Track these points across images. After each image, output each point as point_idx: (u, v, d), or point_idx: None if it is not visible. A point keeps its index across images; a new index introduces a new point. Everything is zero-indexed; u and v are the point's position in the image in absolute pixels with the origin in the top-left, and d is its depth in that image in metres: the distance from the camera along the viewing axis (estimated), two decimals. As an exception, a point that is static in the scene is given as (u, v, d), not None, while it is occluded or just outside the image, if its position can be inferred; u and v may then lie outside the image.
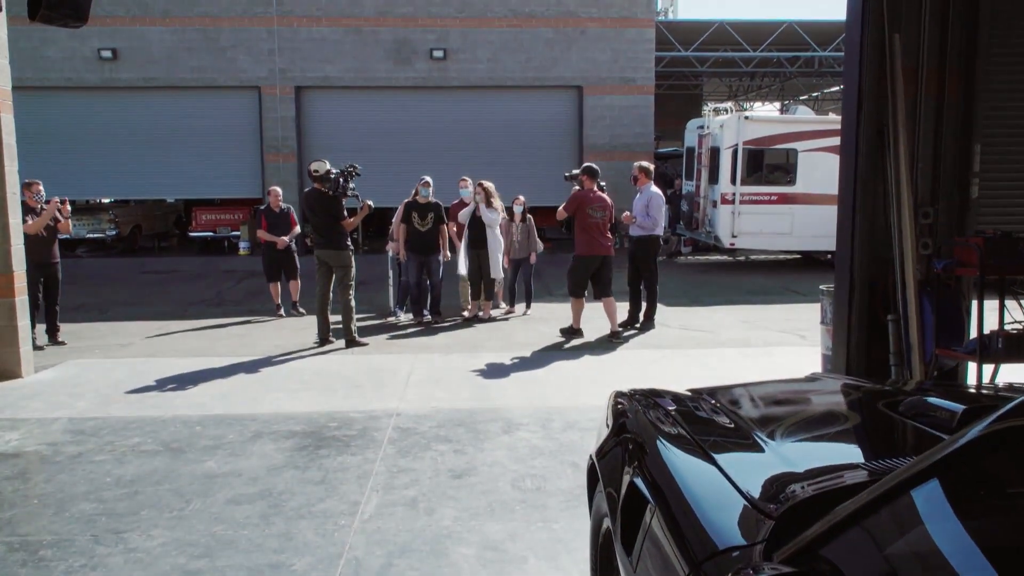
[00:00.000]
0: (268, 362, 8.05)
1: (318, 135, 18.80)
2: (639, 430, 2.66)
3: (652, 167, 9.81)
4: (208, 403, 6.45)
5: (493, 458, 5.05)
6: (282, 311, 11.08)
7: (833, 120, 16.54)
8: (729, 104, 16.85)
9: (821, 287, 7.14)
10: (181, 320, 10.99)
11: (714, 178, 16.32)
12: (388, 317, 10.92)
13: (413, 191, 10.45)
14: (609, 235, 9.22)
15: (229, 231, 19.68)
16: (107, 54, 18.17)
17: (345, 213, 8.86)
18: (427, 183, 10.26)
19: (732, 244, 16.16)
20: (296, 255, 11.38)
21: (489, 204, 10.37)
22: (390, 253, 11.34)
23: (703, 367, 7.72)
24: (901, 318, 6.12)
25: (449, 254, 10.74)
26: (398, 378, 7.26)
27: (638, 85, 19.22)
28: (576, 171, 9.63)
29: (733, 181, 15.82)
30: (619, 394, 3.29)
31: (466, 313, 10.88)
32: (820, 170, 15.96)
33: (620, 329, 9.32)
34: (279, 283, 11.25)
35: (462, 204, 10.89)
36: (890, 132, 6.23)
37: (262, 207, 11.65)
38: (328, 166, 8.67)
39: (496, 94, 19.26)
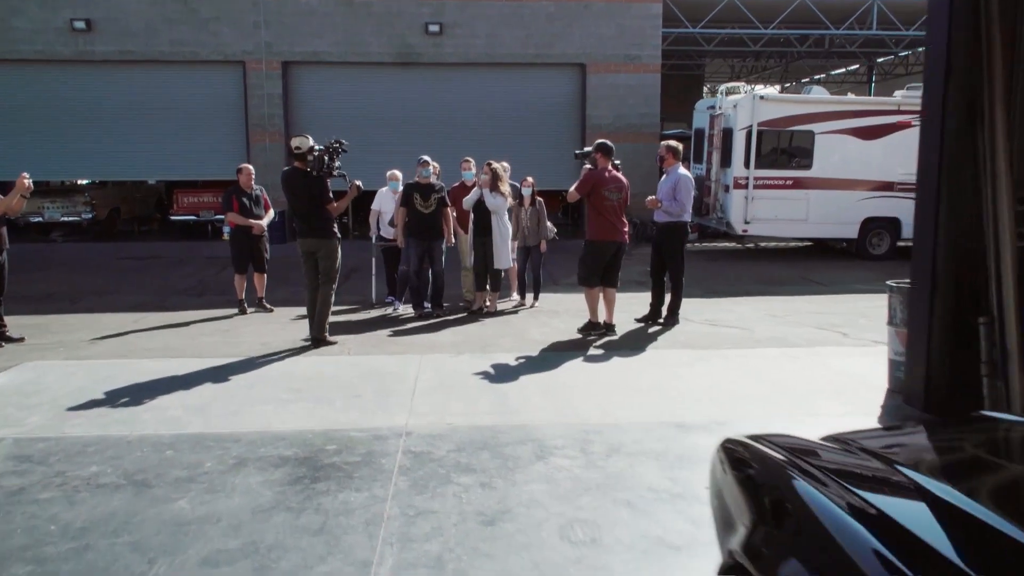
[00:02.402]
0: (254, 364, 7.13)
1: (306, 113, 17.76)
2: (824, 520, 1.76)
3: (680, 147, 8.89)
4: (183, 418, 5.53)
5: (529, 495, 4.16)
6: (247, 307, 9.99)
7: (853, 101, 15.69)
8: (742, 84, 15.92)
9: (890, 283, 6.26)
10: (159, 312, 10.03)
11: (726, 161, 15.44)
12: (376, 308, 10.02)
13: (416, 171, 9.52)
14: (624, 220, 8.33)
15: (212, 215, 18.51)
16: (80, 25, 17.00)
17: (331, 195, 7.87)
18: (425, 162, 9.32)
19: (745, 230, 15.30)
20: (267, 244, 10.21)
21: (495, 188, 9.44)
22: (373, 239, 10.41)
23: (749, 372, 6.87)
24: (995, 320, 5.25)
25: (453, 240, 9.81)
26: (404, 385, 6.36)
27: (644, 63, 18.25)
28: (588, 148, 8.69)
29: (747, 164, 14.94)
30: (736, 447, 2.39)
31: (471, 304, 9.99)
32: (838, 153, 15.15)
33: (614, 323, 8.49)
34: (246, 275, 10.05)
35: (463, 187, 9.95)
36: (984, 106, 5.33)
37: (231, 187, 10.14)
38: (311, 142, 7.68)
39: (495, 71, 18.25)
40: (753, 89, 15.60)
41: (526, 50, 17.90)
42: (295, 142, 7.70)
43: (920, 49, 22.70)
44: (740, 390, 6.31)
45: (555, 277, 12.25)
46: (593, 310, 8.37)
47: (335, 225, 7.89)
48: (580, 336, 8.28)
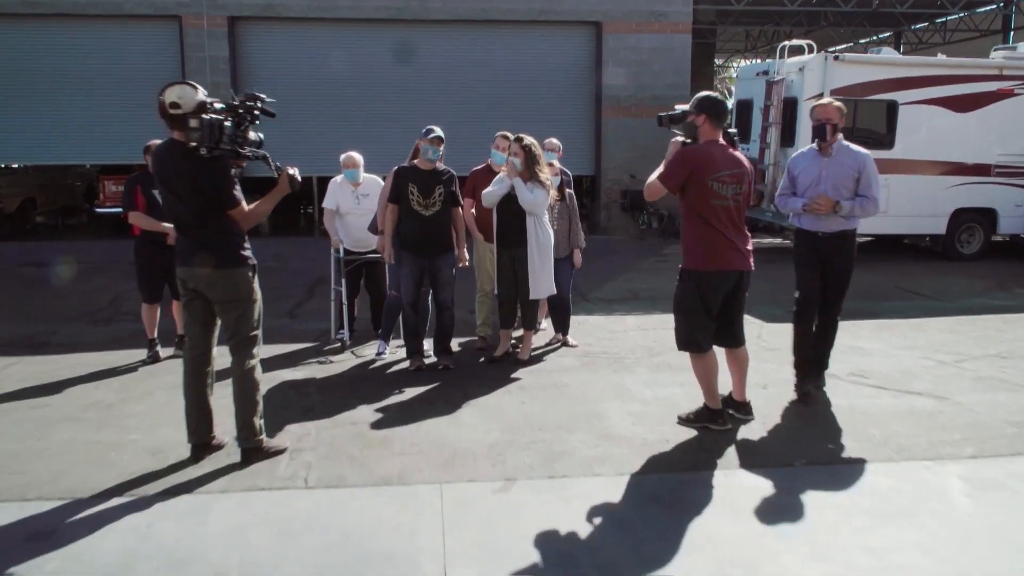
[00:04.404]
0: (100, 523, 3.82)
1: (260, 81, 14.39)
2: None
3: (844, 108, 5.71)
4: None
5: None
6: (159, 349, 6.83)
7: (944, 64, 12.66)
8: (807, 42, 12.85)
9: None
10: (35, 356, 6.89)
11: (789, 139, 12.37)
12: (336, 349, 6.87)
13: (411, 151, 6.33)
14: (746, 230, 5.05)
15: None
16: (-30, -31, 13.51)
17: (237, 192, 4.40)
18: (436, 138, 6.15)
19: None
20: None
21: (534, 176, 6.29)
22: (334, 252, 7.24)
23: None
24: None
25: (467, 257, 6.64)
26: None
27: (671, 22, 15.12)
28: (684, 107, 5.00)
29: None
30: None
31: (486, 343, 6.89)
32: (925, 129, 12.18)
33: (748, 401, 5.23)
34: (158, 304, 6.87)
35: (488, 173, 6.81)
36: None
37: (135, 174, 6.91)
38: (201, 96, 4.30)
39: (490, 31, 14.99)
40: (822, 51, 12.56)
41: (530, 5, 14.70)
42: (171, 95, 4.23)
43: (984, 9, 19.82)
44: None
45: (581, 289, 9.19)
46: (710, 389, 4.99)
47: (245, 243, 4.49)
48: (698, 424, 5.02)
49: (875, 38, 23.47)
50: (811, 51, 12.66)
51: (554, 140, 7.39)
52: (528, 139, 6.34)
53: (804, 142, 12.03)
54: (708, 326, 4.85)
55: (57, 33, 14.04)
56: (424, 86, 14.51)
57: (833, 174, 5.46)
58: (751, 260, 4.92)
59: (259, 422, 4.39)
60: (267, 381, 5.98)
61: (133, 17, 14.01)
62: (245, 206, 4.34)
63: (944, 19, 22.41)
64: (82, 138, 14.47)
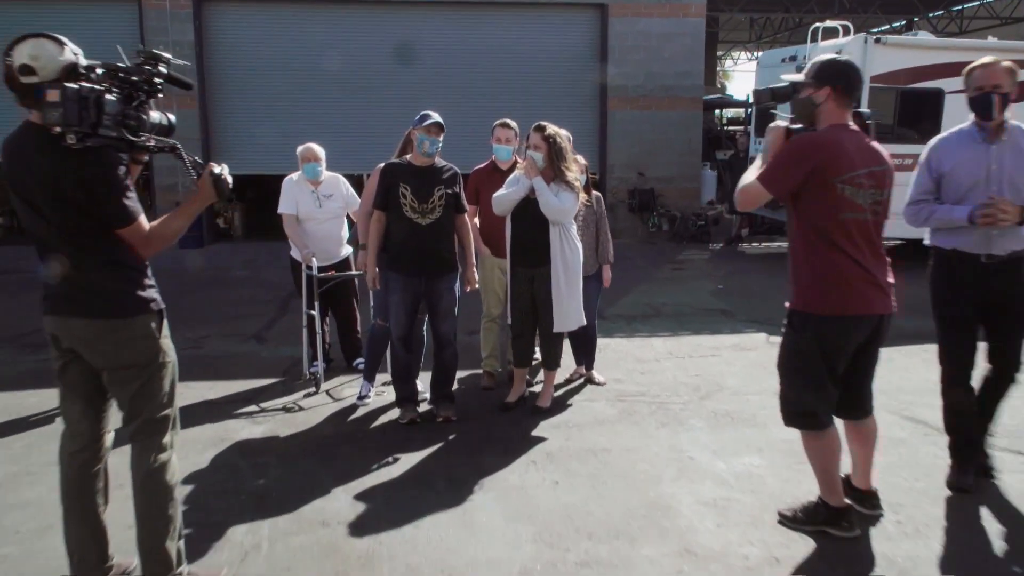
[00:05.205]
0: None
1: (230, 69, 12.93)
2: None
3: (1017, 69, 4.13)
4: None
5: None
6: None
7: (994, 47, 11.35)
8: (842, 23, 11.53)
9: None
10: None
11: (823, 133, 11.01)
12: (310, 390, 5.46)
13: (400, 142, 4.97)
14: (885, 255, 3.50)
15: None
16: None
17: (130, 203, 2.84)
18: (435, 124, 4.77)
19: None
20: None
21: (559, 174, 4.92)
22: (305, 269, 5.83)
23: None
24: None
25: (476, 278, 5.26)
26: None
27: (683, 4, 13.74)
28: (794, 78, 3.54)
29: (855, 137, 10.53)
30: None
31: (493, 381, 5.55)
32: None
33: (876, 489, 3.74)
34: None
35: (493, 172, 5.46)
36: None
37: None
38: (69, 55, 2.77)
39: (485, 14, 13.55)
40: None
41: (529, -16, 13.29)
42: (21, 54, 2.72)
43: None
44: None
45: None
46: (829, 480, 3.47)
47: (146, 278, 2.98)
48: (810, 527, 3.52)
49: (889, 27, 22.20)
50: (846, 34, 11.34)
51: (580, 157, 6.01)
52: (551, 128, 4.97)
53: (841, 135, 10.75)
54: (830, 392, 3.38)
55: (2, 15, 12.53)
56: (413, 75, 13.06)
57: (1010, 165, 3.79)
58: (893, 297, 3.42)
59: (174, 548, 2.94)
60: (214, 442, 4.61)
61: (86, -3, 12.54)
62: (144, 223, 2.89)
63: (962, 7, 21.21)
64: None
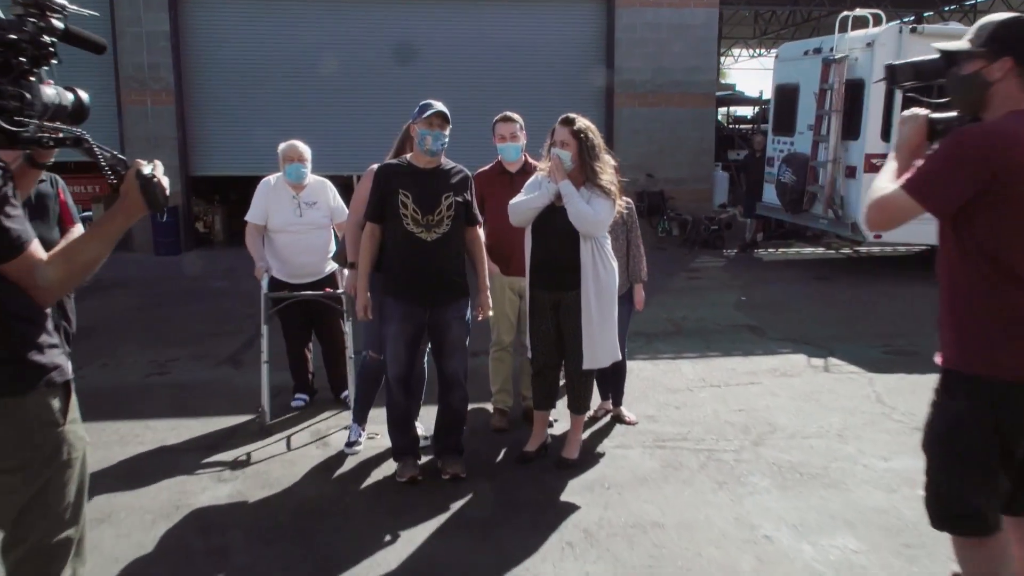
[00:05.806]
0: None
1: (209, 63, 12.01)
2: None
3: None
4: None
5: None
6: None
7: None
8: (873, 11, 10.72)
9: None
10: None
11: (852, 131, 10.21)
12: (286, 423, 4.55)
13: (396, 139, 4.08)
14: None
15: (80, 211, 12.74)
16: None
17: (14, 223, 1.91)
18: (438, 114, 3.85)
19: (879, 235, 10.06)
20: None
21: (592, 177, 4.04)
22: (265, 287, 4.94)
23: None
24: None
25: (491, 306, 4.33)
26: None
27: (695, -7, 12.94)
28: (957, 45, 2.42)
29: (887, 136, 9.71)
30: None
31: (502, 424, 4.68)
32: (1013, 118, 10.04)
33: None
34: None
35: (501, 175, 4.59)
36: None
37: None
38: None
39: (483, 5, 12.69)
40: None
41: (531, -28, 12.43)
42: None
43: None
44: None
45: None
46: None
47: (44, 333, 2.00)
48: None
49: (899, 22, 21.45)
50: (877, 23, 10.51)
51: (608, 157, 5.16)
52: (581, 121, 4.11)
53: (872, 133, 9.92)
54: (999, 484, 2.40)
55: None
56: (408, 68, 12.14)
57: None
58: None
59: None
60: (167, 512, 3.70)
61: (52, -17, 11.58)
62: (37, 252, 1.96)
63: (975, 0, 20.47)
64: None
